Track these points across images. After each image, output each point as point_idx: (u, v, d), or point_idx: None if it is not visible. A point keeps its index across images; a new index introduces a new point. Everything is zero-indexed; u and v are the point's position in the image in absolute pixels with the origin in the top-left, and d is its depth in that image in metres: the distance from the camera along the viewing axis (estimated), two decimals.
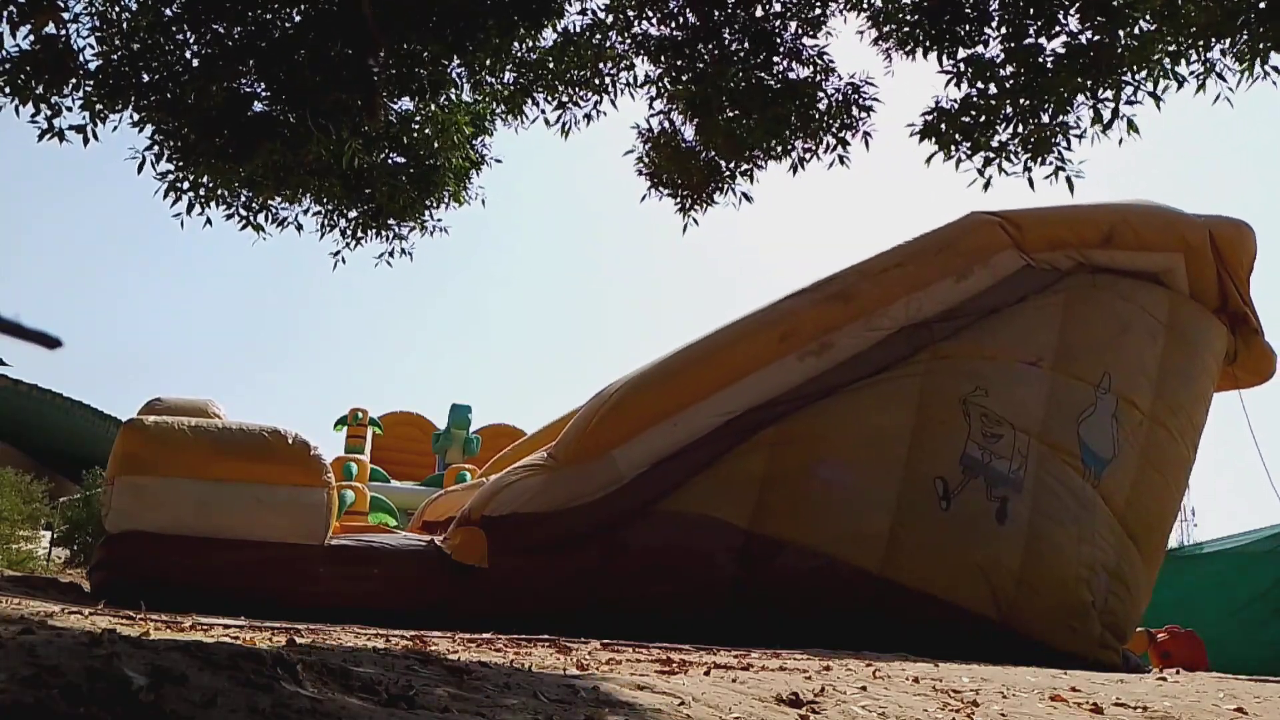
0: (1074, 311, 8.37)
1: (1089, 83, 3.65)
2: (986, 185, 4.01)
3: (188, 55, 4.14)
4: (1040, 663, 6.57)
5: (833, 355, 7.60)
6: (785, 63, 4.52)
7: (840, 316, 7.68)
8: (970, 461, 7.61)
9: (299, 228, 4.82)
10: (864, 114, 4.47)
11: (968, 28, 3.80)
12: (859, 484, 7.29)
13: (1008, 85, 3.80)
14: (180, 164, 4.28)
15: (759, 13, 4.46)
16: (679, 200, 4.86)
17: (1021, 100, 3.76)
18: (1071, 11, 3.69)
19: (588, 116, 4.89)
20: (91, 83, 3.97)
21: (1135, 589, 8.35)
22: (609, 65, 4.74)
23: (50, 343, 1.13)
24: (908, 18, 3.99)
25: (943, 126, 3.89)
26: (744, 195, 4.79)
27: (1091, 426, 8.17)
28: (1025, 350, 8.10)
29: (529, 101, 4.88)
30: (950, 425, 7.64)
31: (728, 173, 4.75)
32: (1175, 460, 8.87)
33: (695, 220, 4.87)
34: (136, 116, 4.12)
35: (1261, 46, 3.36)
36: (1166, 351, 8.74)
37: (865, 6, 4.37)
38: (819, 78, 4.51)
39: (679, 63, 4.56)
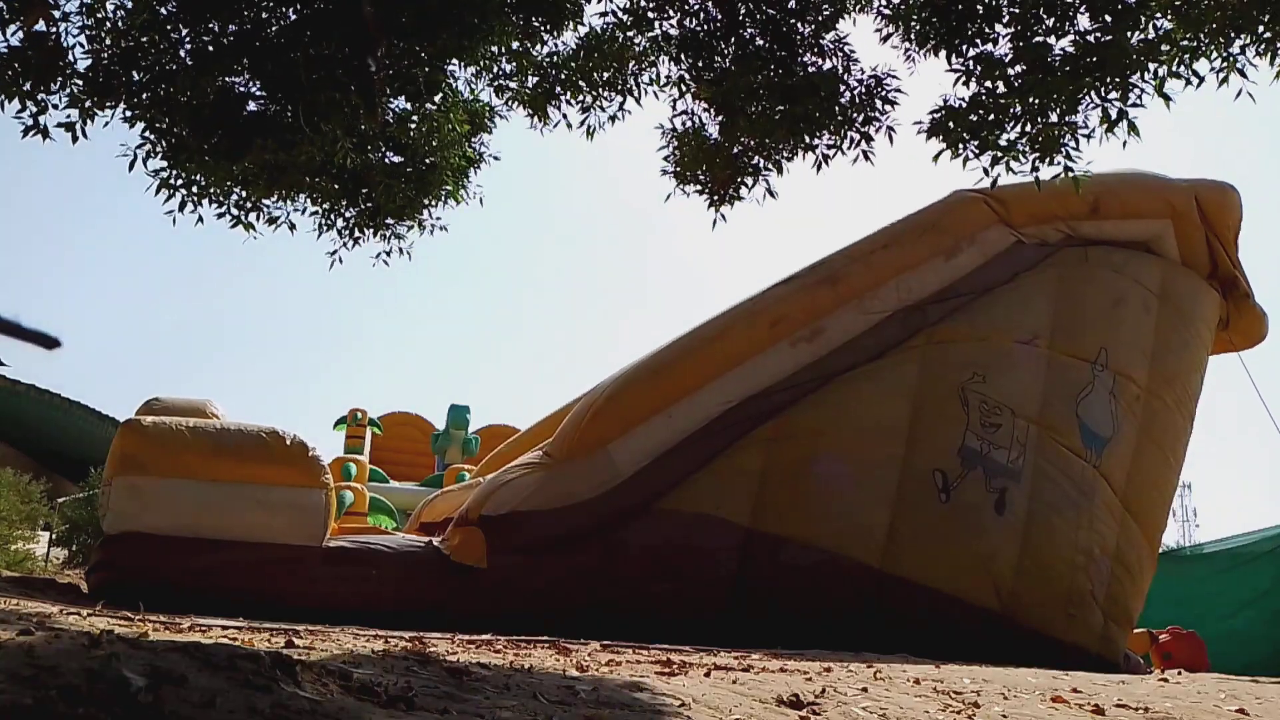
0: (1067, 287, 8.41)
1: (1097, 82, 3.63)
2: (994, 184, 4.00)
3: (181, 53, 4.11)
4: (1042, 652, 6.58)
5: (826, 340, 7.61)
6: (807, 56, 4.49)
7: (830, 301, 7.70)
8: (969, 453, 7.64)
9: (292, 227, 4.78)
10: (888, 107, 4.41)
11: (977, 25, 3.77)
12: (858, 478, 7.30)
13: (1016, 84, 3.78)
14: (172, 162, 4.25)
15: (778, 9, 4.43)
16: (707, 197, 4.83)
17: (1030, 99, 3.74)
18: (1082, 10, 3.67)
19: (613, 118, 4.87)
20: (81, 81, 3.93)
21: (1138, 570, 8.43)
22: (632, 65, 4.71)
23: (50, 343, 1.12)
24: (918, 16, 3.96)
25: (950, 125, 3.86)
26: (768, 191, 4.76)
27: (1090, 405, 8.23)
28: (1020, 329, 8.13)
29: (552, 103, 4.84)
30: (948, 416, 7.66)
31: (753, 168, 4.72)
32: (1173, 433, 8.95)
33: (724, 216, 4.85)
34: (128, 114, 4.09)
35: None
36: (1160, 323, 8.81)
37: (876, 7, 4.35)
38: (841, 70, 4.46)
39: (700, 61, 4.53)
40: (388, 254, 5.05)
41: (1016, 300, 8.20)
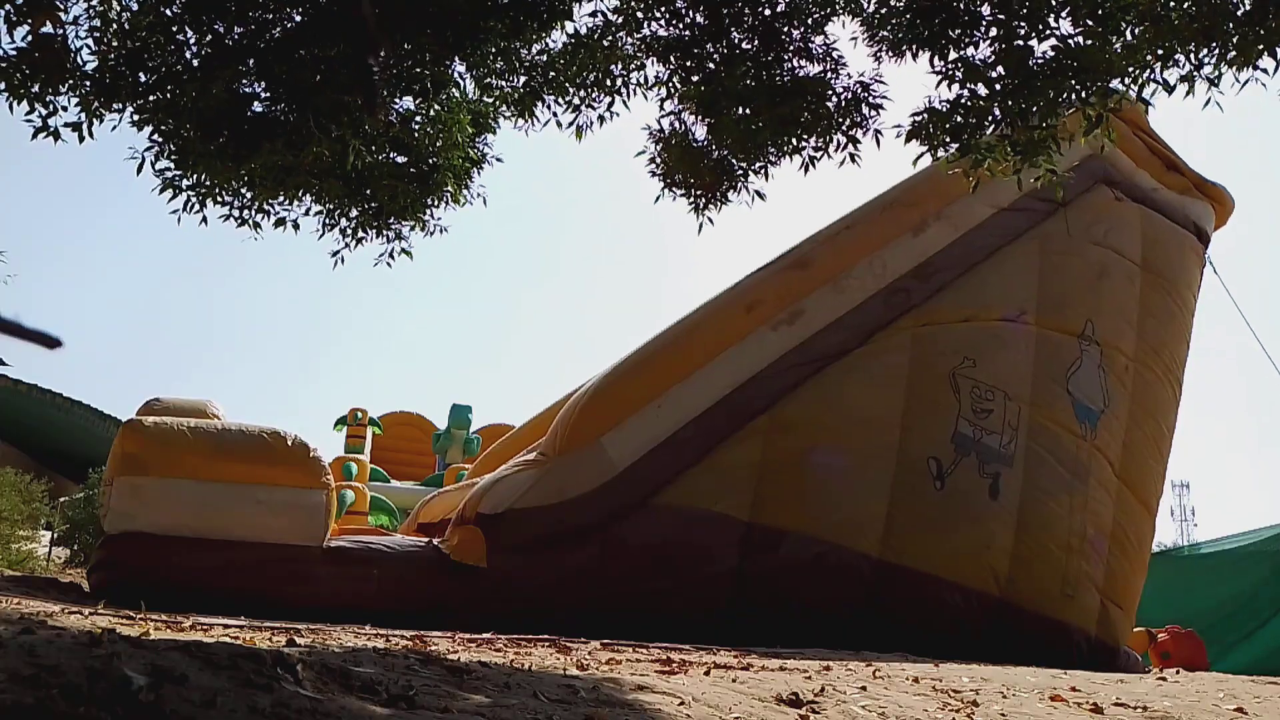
0: (1050, 261, 8.48)
1: (1078, 86, 3.65)
2: (975, 187, 4.01)
3: (187, 55, 4.13)
4: (1042, 635, 6.60)
5: (807, 323, 7.63)
6: (795, 60, 4.50)
7: (804, 283, 7.74)
8: (962, 439, 7.71)
9: (295, 227, 4.80)
10: (874, 112, 4.43)
11: (959, 30, 3.79)
12: (854, 468, 7.35)
13: (997, 87, 3.80)
14: (180, 163, 4.27)
15: (767, 12, 4.44)
16: (692, 200, 4.84)
17: (1010, 103, 3.76)
18: (1063, 15, 3.69)
19: (601, 118, 4.87)
20: (88, 83, 3.95)
21: (1137, 546, 8.55)
22: (619, 66, 4.72)
23: (50, 343, 1.13)
24: (902, 20, 3.97)
25: (931, 128, 3.88)
26: (757, 193, 4.78)
27: (1080, 380, 8.34)
28: (1007, 304, 8.19)
29: (539, 104, 4.85)
30: (940, 403, 7.73)
31: (740, 171, 4.73)
32: (1163, 401, 9.10)
33: (710, 220, 4.86)
34: (136, 117, 4.11)
35: (1249, 50, 3.37)
36: (1145, 292, 8.96)
37: (860, 11, 4.36)
38: (829, 75, 4.48)
39: (688, 63, 4.54)
40: (392, 256, 5.07)
41: (1000, 276, 8.27)
